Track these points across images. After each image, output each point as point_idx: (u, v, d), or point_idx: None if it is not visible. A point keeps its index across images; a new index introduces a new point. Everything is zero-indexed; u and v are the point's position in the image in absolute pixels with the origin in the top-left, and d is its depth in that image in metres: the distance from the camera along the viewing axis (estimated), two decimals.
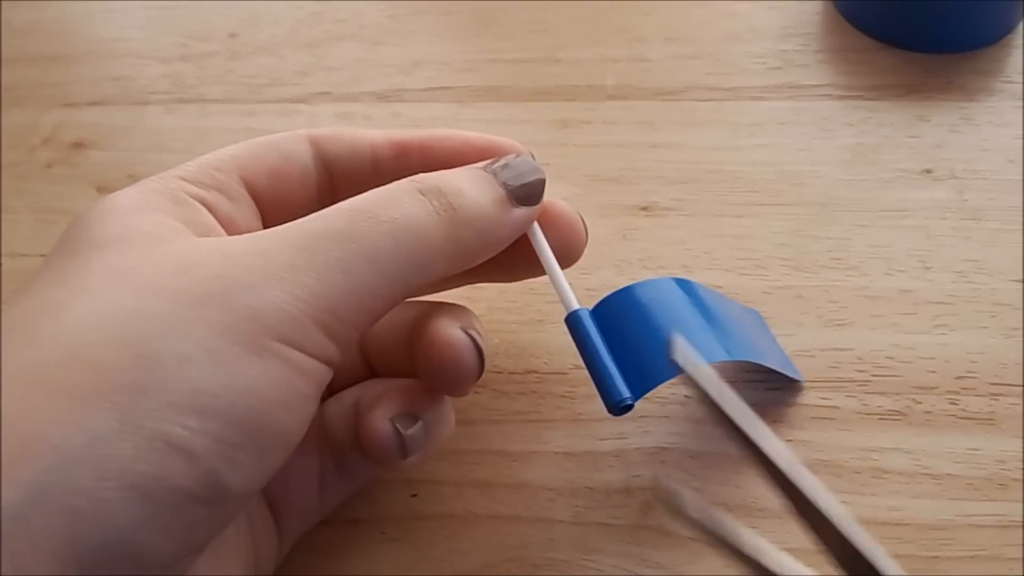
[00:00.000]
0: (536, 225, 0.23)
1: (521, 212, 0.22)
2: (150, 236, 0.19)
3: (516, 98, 0.35)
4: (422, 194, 0.20)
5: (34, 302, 0.18)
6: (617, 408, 0.21)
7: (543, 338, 0.28)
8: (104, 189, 0.34)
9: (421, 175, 0.21)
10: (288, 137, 0.23)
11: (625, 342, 0.22)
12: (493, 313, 0.28)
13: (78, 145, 0.36)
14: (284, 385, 0.18)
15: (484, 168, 0.22)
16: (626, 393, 0.21)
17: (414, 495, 0.25)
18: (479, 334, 0.22)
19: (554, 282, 0.23)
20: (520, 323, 0.28)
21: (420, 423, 0.22)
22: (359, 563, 0.24)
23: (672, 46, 0.36)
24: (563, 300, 0.23)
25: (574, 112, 0.34)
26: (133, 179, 0.34)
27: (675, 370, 0.21)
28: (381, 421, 0.21)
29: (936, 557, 0.23)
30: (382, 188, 0.20)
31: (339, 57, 0.38)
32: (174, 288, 0.17)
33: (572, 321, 0.22)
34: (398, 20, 0.39)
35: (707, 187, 0.32)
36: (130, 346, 0.17)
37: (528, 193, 0.22)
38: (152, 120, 0.36)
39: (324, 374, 0.19)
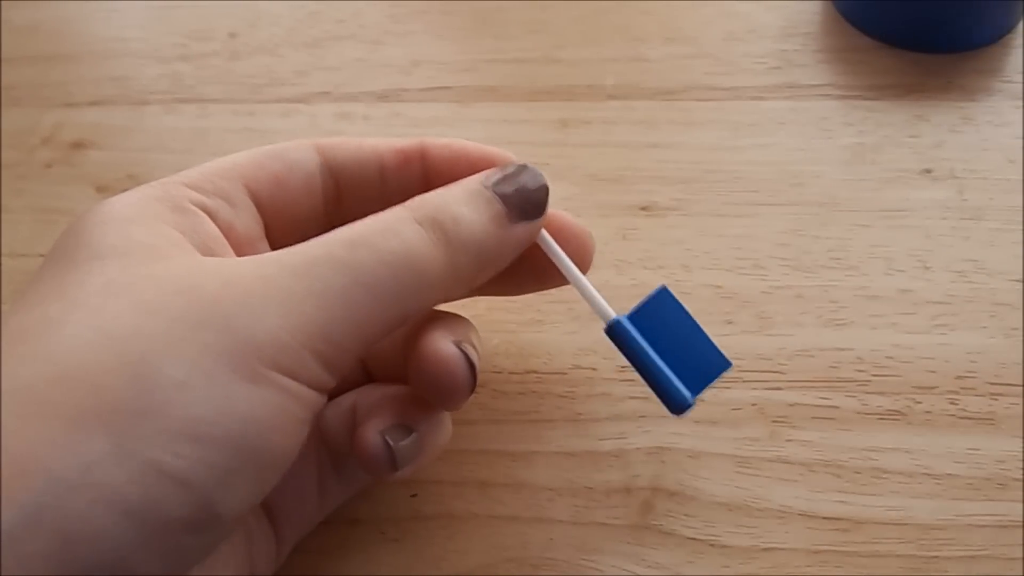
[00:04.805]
0: (550, 239, 0.23)
1: (523, 228, 0.22)
2: (149, 249, 0.19)
3: (516, 98, 0.35)
4: (418, 223, 0.20)
5: (32, 315, 0.18)
6: (682, 411, 0.21)
7: (543, 338, 0.28)
8: (104, 189, 0.34)
9: (418, 200, 0.21)
10: (294, 146, 0.23)
11: (669, 342, 0.22)
12: (493, 313, 0.28)
13: (78, 145, 0.36)
14: (279, 411, 0.18)
15: (483, 183, 0.22)
16: (688, 394, 0.21)
17: (414, 495, 0.25)
18: (473, 347, 0.22)
19: (583, 293, 0.22)
20: (520, 323, 0.28)
21: (413, 435, 0.21)
22: (359, 563, 0.24)
23: (672, 46, 0.36)
24: (598, 310, 0.22)
25: (574, 112, 0.34)
26: (133, 179, 0.34)
27: (727, 363, 0.22)
28: (372, 434, 0.21)
29: (936, 557, 0.23)
30: (381, 216, 0.20)
31: (339, 57, 0.38)
32: (173, 309, 0.17)
33: (617, 331, 0.22)
34: (398, 20, 0.39)
35: (707, 187, 0.32)
36: (128, 368, 0.17)
37: (530, 206, 0.22)
38: (152, 120, 0.36)
39: (318, 400, 0.19)
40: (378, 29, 0.39)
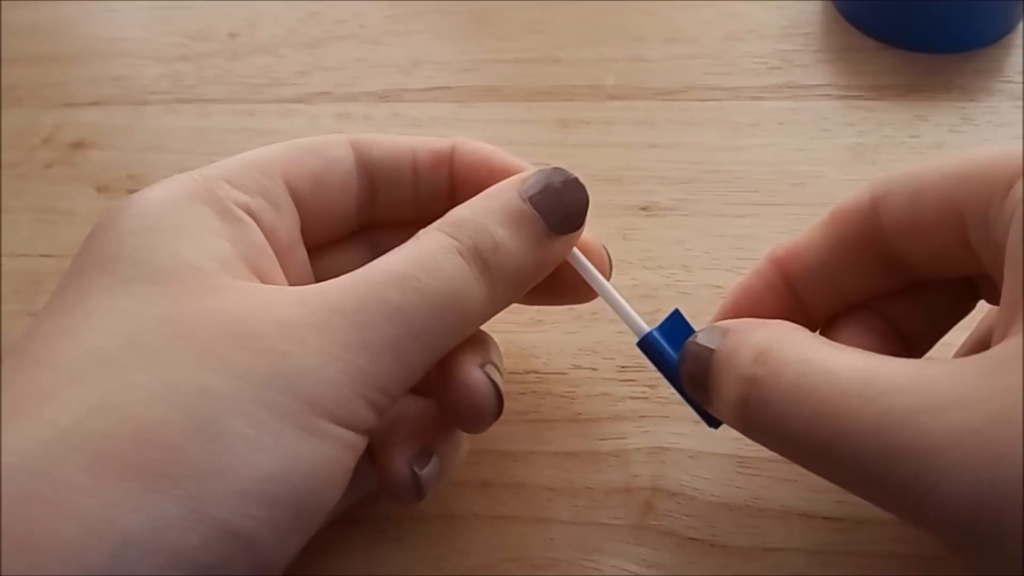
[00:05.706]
0: (579, 252, 0.22)
1: (561, 243, 0.21)
2: (200, 275, 0.19)
3: (516, 98, 0.35)
4: (461, 255, 0.20)
5: (84, 345, 0.18)
6: (719, 424, 0.22)
7: (543, 338, 0.28)
8: (104, 189, 0.34)
9: (456, 220, 0.21)
10: (330, 142, 0.23)
11: None
12: None
13: (78, 145, 0.36)
14: (336, 464, 0.18)
15: (521, 193, 0.21)
16: None
17: None
18: (497, 368, 0.22)
19: (615, 307, 0.22)
20: (520, 323, 0.28)
21: (435, 459, 0.22)
22: (359, 563, 0.24)
23: (672, 46, 0.36)
24: (630, 324, 0.22)
25: (574, 112, 0.34)
26: (133, 179, 0.34)
27: None
28: (400, 464, 0.21)
29: (936, 557, 0.23)
30: (423, 244, 0.20)
31: (339, 57, 0.38)
32: (236, 364, 0.17)
33: (649, 345, 0.22)
34: (398, 20, 0.39)
35: (707, 187, 0.32)
36: (199, 427, 0.17)
37: (571, 219, 0.21)
38: (152, 120, 0.36)
39: (363, 444, 0.19)
40: (378, 29, 0.39)
